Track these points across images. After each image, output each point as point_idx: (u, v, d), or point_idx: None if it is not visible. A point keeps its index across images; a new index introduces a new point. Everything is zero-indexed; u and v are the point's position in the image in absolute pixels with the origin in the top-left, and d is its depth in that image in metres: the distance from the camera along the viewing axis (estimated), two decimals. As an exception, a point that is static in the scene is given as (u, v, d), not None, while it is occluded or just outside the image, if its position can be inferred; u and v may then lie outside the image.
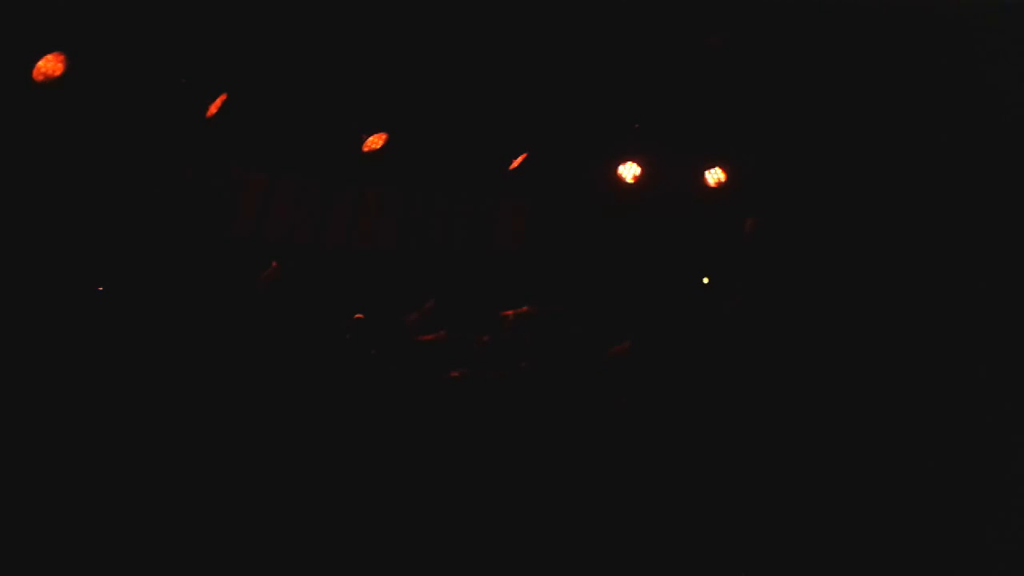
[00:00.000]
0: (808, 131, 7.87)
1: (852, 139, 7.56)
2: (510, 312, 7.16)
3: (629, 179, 8.64)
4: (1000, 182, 6.44)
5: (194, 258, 7.19)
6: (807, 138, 7.91)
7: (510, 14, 7.14)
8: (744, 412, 5.33)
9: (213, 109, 7.07)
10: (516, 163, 8.61)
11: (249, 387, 5.59)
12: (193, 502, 4.77)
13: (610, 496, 5.06)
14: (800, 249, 7.41)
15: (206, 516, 4.73)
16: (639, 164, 8.60)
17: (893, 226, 7.16)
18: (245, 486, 4.95)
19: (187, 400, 5.31)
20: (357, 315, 6.76)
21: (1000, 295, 6.18)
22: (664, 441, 5.32)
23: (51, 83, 6.31)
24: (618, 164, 8.62)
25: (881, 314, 6.69)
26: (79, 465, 4.82)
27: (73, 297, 6.22)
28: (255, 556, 4.63)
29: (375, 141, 7.89)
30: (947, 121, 6.83)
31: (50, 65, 6.29)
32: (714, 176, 8.53)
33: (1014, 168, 6.31)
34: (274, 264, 6.90)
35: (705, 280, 7.94)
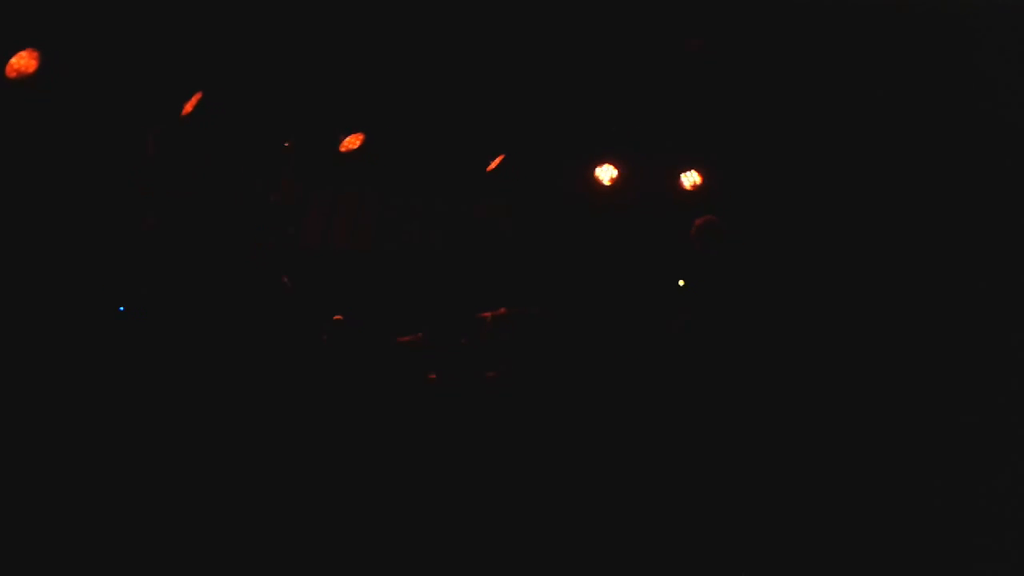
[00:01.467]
0: (787, 135, 7.91)
1: (833, 142, 7.60)
2: (487, 314, 7.14)
3: (606, 181, 8.65)
4: (999, 183, 6.48)
5: (170, 260, 7.12)
6: (786, 141, 7.94)
7: (488, 16, 7.13)
8: (734, 411, 5.34)
9: (188, 108, 7.01)
10: (494, 164, 8.60)
11: (228, 389, 5.55)
12: (178, 506, 4.73)
13: (594, 497, 5.05)
14: (778, 254, 7.44)
15: (191, 519, 4.70)
16: (616, 167, 8.62)
17: (877, 229, 7.19)
18: (225, 488, 4.91)
19: (167, 403, 5.27)
20: (336, 316, 6.73)
21: (1000, 296, 6.21)
22: (648, 442, 5.32)
23: (24, 80, 6.24)
24: (595, 166, 8.63)
25: (872, 317, 6.73)
26: (64, 477, 4.79)
27: (42, 299, 6.15)
28: (239, 560, 4.60)
29: (352, 141, 7.85)
30: (938, 121, 6.87)
31: (23, 62, 6.23)
32: (690, 179, 8.57)
33: (1014, 169, 6.35)
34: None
35: (680, 283, 7.95)
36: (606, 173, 8.64)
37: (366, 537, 4.95)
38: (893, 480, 5.30)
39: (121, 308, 6.29)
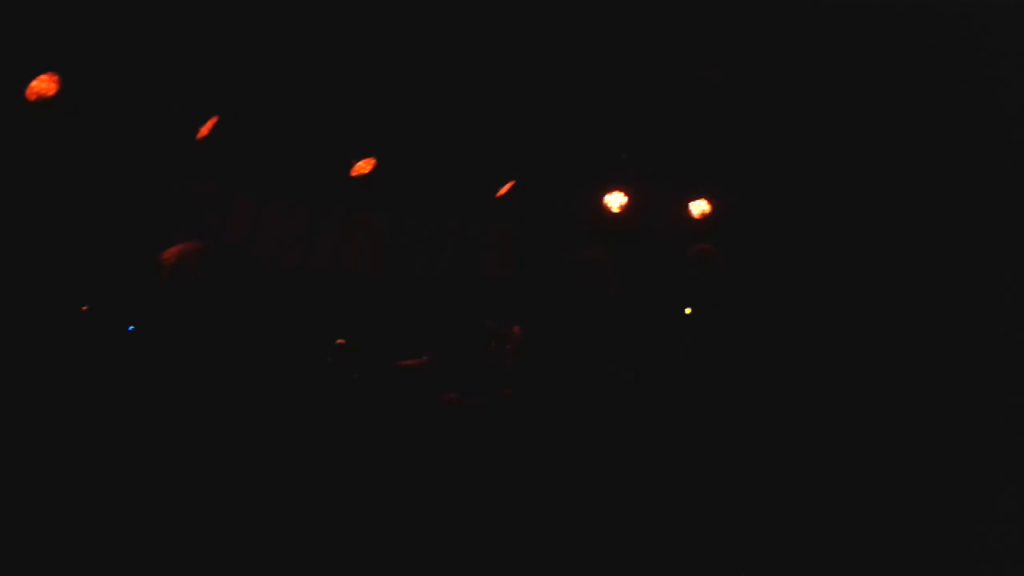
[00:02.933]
0: (797, 164, 7.95)
1: (844, 174, 7.64)
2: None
3: (615, 208, 8.71)
4: (1000, 189, 6.50)
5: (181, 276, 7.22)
6: (794, 172, 7.99)
7: (499, 42, 7.22)
8: (734, 413, 5.38)
9: (204, 131, 7.12)
10: (504, 190, 8.68)
11: (231, 409, 5.61)
12: (174, 526, 4.79)
13: (596, 497, 5.09)
14: (786, 280, 7.48)
15: (188, 539, 4.75)
16: (625, 194, 8.68)
17: (889, 263, 7.22)
18: (224, 510, 4.96)
19: (168, 421, 5.33)
20: (339, 340, 6.80)
21: (1001, 297, 6.23)
22: (650, 444, 5.36)
23: (44, 103, 6.35)
24: (605, 193, 8.70)
25: (878, 340, 6.76)
26: (57, 487, 4.84)
27: (64, 315, 6.25)
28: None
29: (363, 166, 7.95)
30: (941, 146, 6.90)
31: (43, 85, 6.33)
32: (699, 208, 8.62)
33: (1014, 170, 6.37)
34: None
35: (687, 311, 7.99)
36: (615, 200, 8.70)
37: (369, 560, 5.00)
38: (893, 480, 5.32)
39: (131, 328, 6.38)
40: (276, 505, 5.14)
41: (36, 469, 4.76)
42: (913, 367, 6.41)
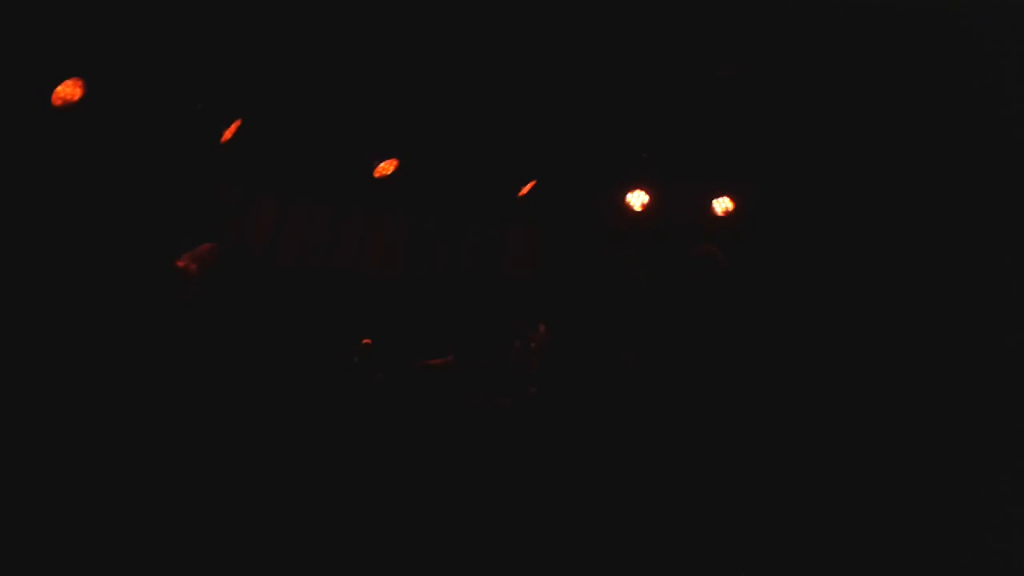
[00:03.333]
0: (817, 161, 7.92)
1: (862, 170, 7.61)
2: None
3: (637, 207, 8.69)
4: (1001, 190, 6.47)
5: (207, 280, 7.26)
6: (815, 169, 7.95)
7: (520, 41, 7.22)
8: (735, 413, 5.37)
9: (228, 134, 7.15)
10: (525, 190, 8.68)
11: (256, 411, 5.63)
12: (189, 524, 4.82)
13: (597, 497, 5.09)
14: (807, 277, 7.45)
15: (203, 537, 4.78)
16: (647, 192, 8.65)
17: (901, 257, 7.19)
18: (246, 510, 4.99)
19: (191, 422, 5.36)
20: (365, 340, 6.82)
21: (1001, 297, 6.20)
22: (652, 444, 5.36)
23: (69, 108, 6.39)
24: (626, 192, 8.67)
25: (885, 333, 6.74)
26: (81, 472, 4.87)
27: (86, 316, 6.28)
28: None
29: (386, 167, 7.97)
30: (953, 141, 6.87)
31: (68, 90, 6.37)
32: (722, 205, 8.59)
33: (1015, 171, 6.34)
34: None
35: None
36: (637, 199, 8.68)
37: (394, 560, 5.01)
38: (893, 480, 5.30)
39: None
40: (300, 501, 5.16)
41: (66, 460, 4.79)
42: (915, 366, 6.38)
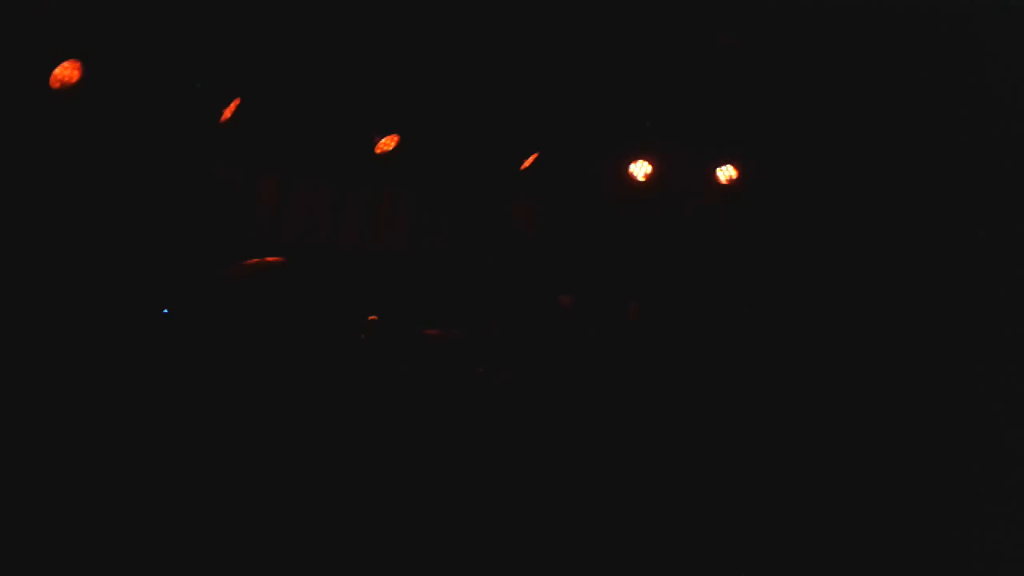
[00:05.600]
0: (818, 129, 7.88)
1: (861, 137, 7.57)
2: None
3: (641, 177, 8.66)
4: (1000, 184, 6.44)
5: (211, 260, 7.27)
6: (817, 136, 7.92)
7: (521, 13, 7.18)
8: (739, 413, 5.38)
9: (227, 113, 7.14)
10: (528, 163, 8.65)
11: (264, 389, 5.65)
12: (205, 504, 4.85)
13: (597, 497, 5.11)
14: (806, 248, 7.44)
15: (219, 518, 4.81)
16: (650, 162, 8.63)
17: (902, 229, 7.16)
18: (258, 488, 5.01)
19: (201, 402, 5.38)
20: (371, 316, 6.82)
21: (1001, 297, 6.18)
22: (653, 441, 5.38)
23: (67, 90, 6.38)
24: (629, 162, 8.65)
25: (883, 315, 6.72)
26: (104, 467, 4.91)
27: (89, 304, 6.31)
28: (268, 557, 4.70)
29: (387, 143, 7.95)
30: (954, 121, 6.83)
31: (66, 72, 6.36)
32: (726, 173, 8.56)
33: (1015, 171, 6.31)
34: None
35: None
36: (640, 169, 8.65)
37: (401, 535, 5.03)
38: (893, 480, 5.29)
39: (165, 311, 6.44)
40: (311, 482, 5.18)
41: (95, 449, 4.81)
42: (917, 364, 6.37)
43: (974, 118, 6.68)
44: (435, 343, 6.67)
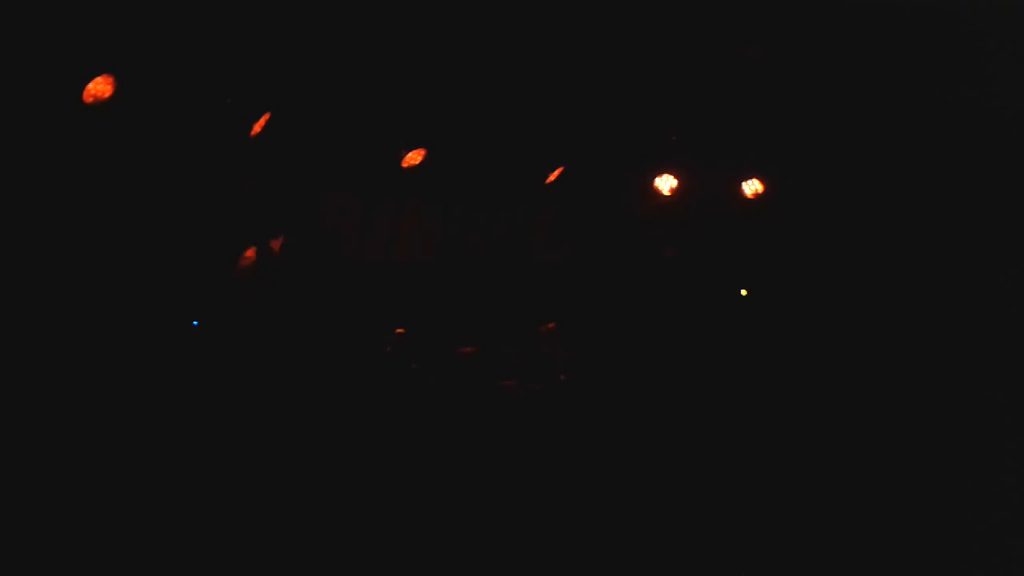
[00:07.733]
0: (844, 142, 7.87)
1: (887, 150, 7.56)
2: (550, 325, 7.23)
3: (666, 191, 8.66)
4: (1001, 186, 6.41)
5: (240, 273, 7.33)
6: (843, 150, 7.91)
7: (548, 29, 7.22)
8: (748, 415, 5.37)
9: (257, 128, 7.21)
10: (553, 176, 8.67)
11: (291, 400, 5.69)
12: (229, 509, 4.88)
13: (598, 496, 5.10)
14: (832, 259, 7.42)
15: (243, 521, 4.84)
16: (676, 176, 8.62)
17: (925, 237, 7.14)
18: (283, 497, 5.05)
19: (226, 412, 5.42)
20: (399, 330, 6.86)
21: (1001, 297, 6.15)
22: (655, 442, 5.37)
23: (100, 105, 6.46)
24: (655, 176, 8.65)
25: (894, 318, 6.69)
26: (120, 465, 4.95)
27: (119, 312, 6.37)
28: (291, 561, 4.74)
29: (414, 156, 7.99)
30: (971, 130, 6.81)
31: (99, 87, 6.44)
32: (751, 188, 8.54)
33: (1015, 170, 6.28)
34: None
35: (743, 292, 7.96)
36: (666, 183, 8.65)
37: (425, 544, 5.05)
38: (893, 480, 5.27)
39: (195, 323, 6.50)
40: (332, 491, 5.20)
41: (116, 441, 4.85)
42: (917, 364, 6.33)
43: (989, 133, 6.66)
44: (469, 359, 6.70)
